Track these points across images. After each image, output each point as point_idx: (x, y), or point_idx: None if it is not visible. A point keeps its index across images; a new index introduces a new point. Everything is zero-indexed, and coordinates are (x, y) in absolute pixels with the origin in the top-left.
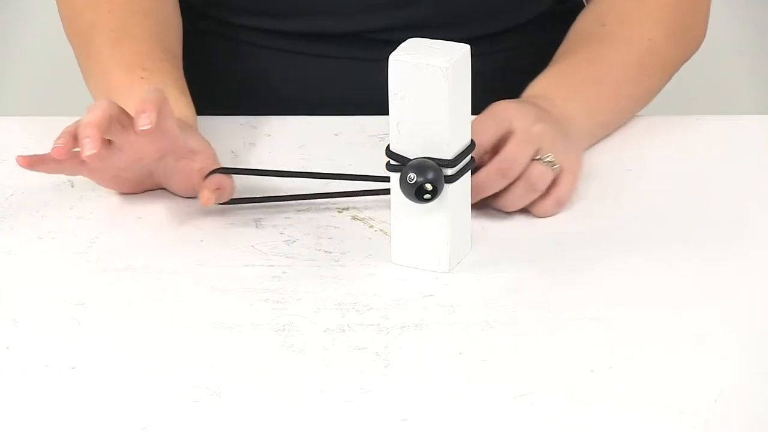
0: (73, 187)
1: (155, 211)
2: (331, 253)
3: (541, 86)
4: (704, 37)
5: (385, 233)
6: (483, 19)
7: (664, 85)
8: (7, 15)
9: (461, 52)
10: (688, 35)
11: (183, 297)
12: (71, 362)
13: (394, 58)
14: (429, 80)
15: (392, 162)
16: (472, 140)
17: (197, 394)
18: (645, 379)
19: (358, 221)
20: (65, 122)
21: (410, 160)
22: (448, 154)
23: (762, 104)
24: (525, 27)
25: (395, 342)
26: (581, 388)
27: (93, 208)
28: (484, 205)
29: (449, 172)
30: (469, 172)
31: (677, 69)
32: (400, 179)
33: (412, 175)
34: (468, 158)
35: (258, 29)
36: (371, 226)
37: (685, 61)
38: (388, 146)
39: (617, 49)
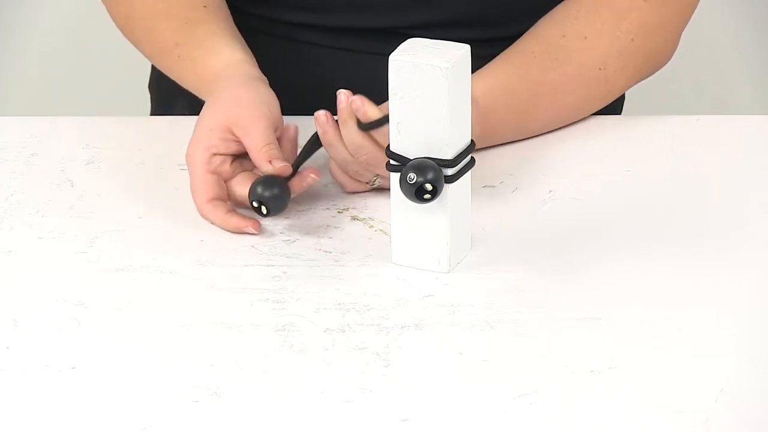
0: (73, 187)
1: (155, 211)
2: (331, 253)
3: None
4: (668, 59)
5: (385, 233)
6: (520, 19)
7: (599, 107)
8: (8, 15)
9: (461, 52)
10: (650, 62)
11: (183, 297)
12: (71, 362)
13: (394, 58)
14: (429, 80)
15: (392, 162)
16: (472, 140)
17: (197, 394)
18: (645, 379)
19: (358, 221)
20: (65, 122)
21: (410, 160)
22: (448, 154)
23: (762, 104)
24: None
25: (395, 342)
26: (581, 388)
27: (93, 208)
28: (484, 204)
29: (449, 172)
30: (470, 172)
31: (621, 93)
32: (400, 179)
33: (412, 175)
34: (468, 158)
35: (291, 23)
36: (371, 226)
37: (640, 81)
38: (388, 146)
39: (564, 70)
